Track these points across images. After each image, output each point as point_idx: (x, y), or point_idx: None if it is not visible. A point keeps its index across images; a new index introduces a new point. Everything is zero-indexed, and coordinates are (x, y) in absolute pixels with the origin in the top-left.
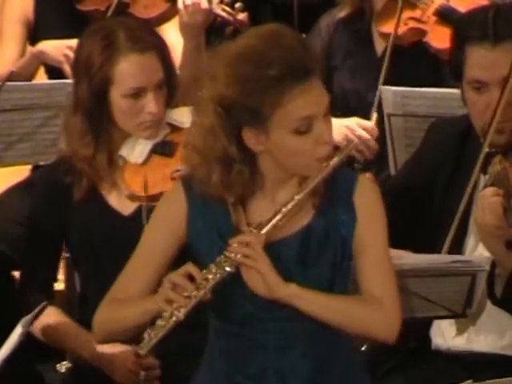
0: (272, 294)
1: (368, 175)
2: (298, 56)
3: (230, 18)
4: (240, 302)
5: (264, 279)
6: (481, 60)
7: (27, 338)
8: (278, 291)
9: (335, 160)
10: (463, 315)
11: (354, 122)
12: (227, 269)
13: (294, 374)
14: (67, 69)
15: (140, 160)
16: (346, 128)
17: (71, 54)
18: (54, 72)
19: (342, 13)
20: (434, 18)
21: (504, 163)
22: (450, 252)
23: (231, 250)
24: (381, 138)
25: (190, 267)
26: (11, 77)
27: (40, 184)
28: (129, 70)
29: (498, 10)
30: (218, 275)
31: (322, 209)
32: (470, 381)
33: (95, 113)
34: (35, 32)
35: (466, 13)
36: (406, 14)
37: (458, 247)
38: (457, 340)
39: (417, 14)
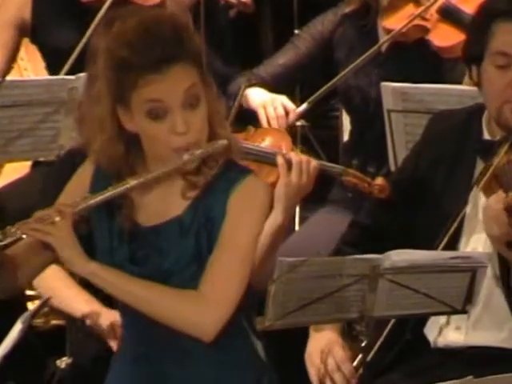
0: (72, 269)
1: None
2: (160, 44)
3: (234, 1)
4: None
5: (60, 254)
6: (509, 34)
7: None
8: (76, 267)
9: (194, 154)
10: (463, 311)
11: (279, 98)
12: (20, 235)
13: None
14: None
15: None
16: (270, 98)
17: None
18: (55, 68)
19: (348, 8)
20: (436, 16)
21: (510, 155)
22: (445, 248)
23: (29, 222)
24: (381, 134)
25: None
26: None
27: (58, 187)
28: None
29: None
30: (10, 239)
31: (196, 203)
32: (470, 377)
33: None
34: (35, 27)
35: None
36: (410, 10)
37: (452, 245)
38: (455, 336)
39: (420, 10)
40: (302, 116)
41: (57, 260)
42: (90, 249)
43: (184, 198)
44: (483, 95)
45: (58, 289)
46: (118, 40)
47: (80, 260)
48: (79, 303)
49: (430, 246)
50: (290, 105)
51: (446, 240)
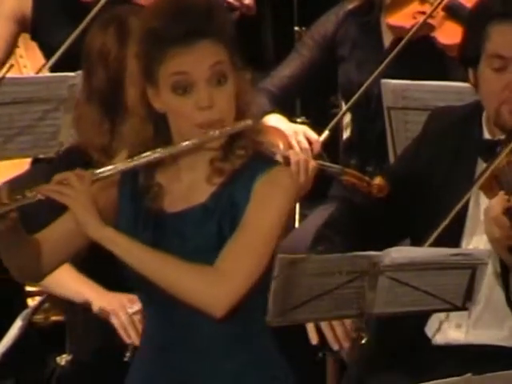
0: (86, 233)
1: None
2: (190, 18)
3: (237, 3)
4: None
5: (76, 217)
6: (504, 36)
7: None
8: (91, 231)
9: (217, 132)
10: (463, 308)
11: (302, 130)
12: (39, 197)
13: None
14: None
15: None
16: (293, 131)
17: None
18: (55, 67)
19: (351, 4)
20: (442, 14)
21: (510, 156)
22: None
23: (49, 183)
24: (380, 132)
25: (2, 185)
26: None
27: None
28: None
29: None
30: (28, 200)
31: (221, 189)
32: (469, 374)
33: (111, 100)
34: (35, 27)
35: None
36: (415, 7)
37: (454, 245)
38: (455, 334)
39: (426, 8)
40: (324, 145)
41: (83, 247)
42: None
43: (209, 183)
44: (481, 97)
45: (63, 278)
46: (151, 12)
47: (96, 223)
48: (84, 289)
49: (425, 241)
50: (313, 135)
51: (435, 236)
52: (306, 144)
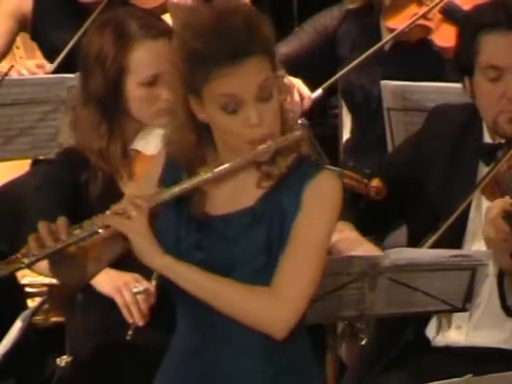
0: (145, 262)
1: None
2: (234, 38)
3: None
4: None
5: (134, 246)
6: (496, 46)
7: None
8: (149, 260)
9: (264, 146)
10: (463, 310)
11: (296, 82)
12: (97, 229)
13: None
14: None
15: (154, 152)
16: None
17: None
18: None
19: (351, 5)
20: (439, 16)
21: (511, 161)
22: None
23: (106, 215)
24: (382, 133)
25: (60, 219)
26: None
27: (55, 186)
28: (144, 57)
29: None
30: (86, 233)
31: (270, 194)
32: (469, 375)
33: (109, 103)
34: (35, 28)
35: (474, 6)
36: (413, 10)
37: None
38: (455, 336)
39: (423, 10)
40: (316, 102)
41: (125, 252)
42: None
43: (259, 187)
44: (478, 106)
45: None
46: (192, 31)
47: (154, 253)
48: None
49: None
50: (305, 90)
51: (434, 239)
52: (296, 98)
